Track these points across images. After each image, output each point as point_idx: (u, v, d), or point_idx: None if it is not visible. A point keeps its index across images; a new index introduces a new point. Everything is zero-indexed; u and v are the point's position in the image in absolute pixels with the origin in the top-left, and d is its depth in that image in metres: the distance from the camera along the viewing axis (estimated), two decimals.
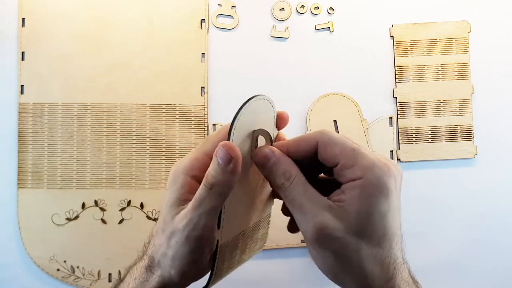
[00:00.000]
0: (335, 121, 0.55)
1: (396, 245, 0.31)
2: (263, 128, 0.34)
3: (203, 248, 0.34)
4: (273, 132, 0.34)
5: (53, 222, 0.54)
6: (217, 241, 0.34)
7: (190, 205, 0.32)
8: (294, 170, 0.32)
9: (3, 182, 0.54)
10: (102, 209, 0.54)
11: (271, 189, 0.37)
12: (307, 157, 0.33)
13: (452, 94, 0.56)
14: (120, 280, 0.37)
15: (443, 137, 0.56)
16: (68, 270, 0.53)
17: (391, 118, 0.56)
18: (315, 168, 0.34)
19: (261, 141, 0.34)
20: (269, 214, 0.40)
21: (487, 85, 0.57)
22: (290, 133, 0.60)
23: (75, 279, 0.53)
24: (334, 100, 0.56)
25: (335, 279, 0.32)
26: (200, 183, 0.32)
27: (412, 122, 0.56)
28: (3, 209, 0.54)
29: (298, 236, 0.54)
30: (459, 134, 0.56)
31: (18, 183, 0.54)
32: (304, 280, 0.55)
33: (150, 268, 0.35)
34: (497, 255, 0.57)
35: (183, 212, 0.33)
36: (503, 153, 0.57)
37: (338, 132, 0.54)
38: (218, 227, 0.33)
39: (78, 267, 0.53)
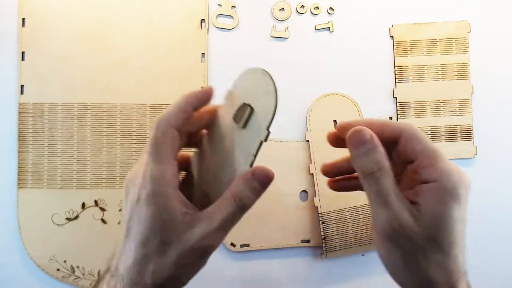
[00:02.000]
0: (335, 121, 0.55)
1: (462, 255, 0.32)
2: (257, 104, 0.34)
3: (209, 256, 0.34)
4: (269, 117, 0.34)
5: (53, 222, 0.54)
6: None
7: (213, 225, 0.32)
8: (387, 161, 0.32)
9: (3, 182, 0.54)
10: (102, 209, 0.54)
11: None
12: (385, 144, 0.33)
13: (452, 94, 0.57)
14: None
15: (443, 137, 0.56)
16: (68, 270, 0.53)
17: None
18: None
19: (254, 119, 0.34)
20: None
21: (487, 85, 0.57)
22: (290, 134, 0.60)
23: (75, 279, 0.53)
24: (334, 100, 0.56)
25: (396, 277, 0.33)
26: (181, 194, 0.32)
27: (412, 122, 0.56)
28: (3, 209, 0.54)
29: (298, 236, 0.54)
30: (459, 134, 0.56)
31: (18, 183, 0.54)
32: (304, 280, 0.55)
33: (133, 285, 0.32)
34: (497, 255, 0.57)
35: (199, 231, 0.32)
36: (503, 153, 0.57)
37: None
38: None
39: (78, 267, 0.53)
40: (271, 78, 0.35)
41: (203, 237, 0.32)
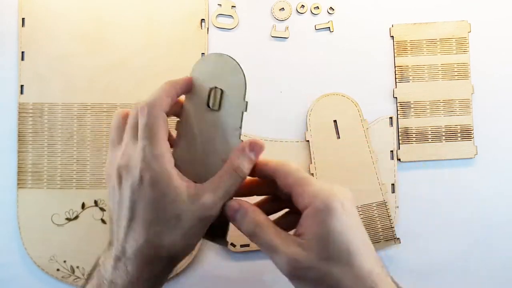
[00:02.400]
0: (335, 121, 0.55)
1: (367, 258, 0.33)
2: (225, 88, 0.37)
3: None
4: (241, 102, 0.37)
5: (53, 222, 0.54)
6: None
7: (218, 194, 0.35)
8: (262, 217, 0.35)
9: (3, 182, 0.54)
10: (102, 209, 0.54)
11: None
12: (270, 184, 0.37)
13: (452, 94, 0.56)
14: (89, 274, 0.37)
15: (443, 137, 0.56)
16: (68, 270, 0.53)
17: (391, 118, 0.56)
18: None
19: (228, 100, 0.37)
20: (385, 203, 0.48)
21: (487, 85, 0.57)
22: (290, 134, 0.60)
23: (75, 279, 0.53)
24: (334, 100, 0.56)
25: None
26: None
27: (412, 122, 0.56)
28: (3, 209, 0.54)
29: None
30: (459, 134, 0.56)
31: (18, 183, 0.54)
32: None
33: (119, 259, 0.35)
34: (497, 255, 0.57)
35: (205, 201, 0.35)
36: (503, 153, 0.57)
37: (339, 133, 0.54)
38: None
39: (78, 267, 0.53)
40: (229, 56, 0.38)
41: (210, 207, 0.35)
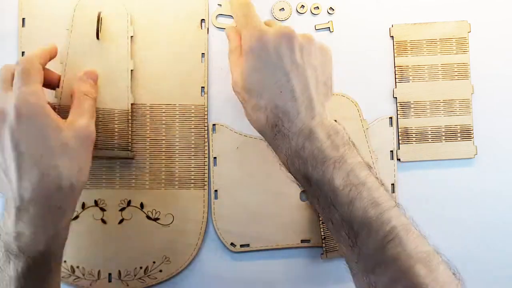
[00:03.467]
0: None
1: (280, 97, 0.38)
2: None
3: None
4: None
5: None
6: None
7: (85, 114, 0.45)
8: (234, 44, 0.43)
9: None
10: (102, 209, 0.54)
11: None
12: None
13: (452, 94, 0.56)
14: None
15: (443, 137, 0.56)
16: (68, 270, 0.53)
17: (391, 118, 0.56)
18: None
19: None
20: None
21: (487, 85, 0.57)
22: None
23: (75, 279, 0.53)
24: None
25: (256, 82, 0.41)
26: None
27: (412, 122, 0.56)
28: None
29: (298, 236, 0.54)
30: (459, 134, 0.56)
31: None
32: (304, 280, 0.55)
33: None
34: (497, 255, 0.57)
35: (80, 120, 0.44)
36: (503, 153, 0.57)
37: None
38: None
39: (78, 267, 0.53)
40: None
41: (86, 126, 0.43)
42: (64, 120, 0.42)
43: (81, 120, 0.43)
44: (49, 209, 0.37)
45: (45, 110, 0.39)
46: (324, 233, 0.52)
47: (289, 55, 0.39)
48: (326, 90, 0.42)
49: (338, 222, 0.35)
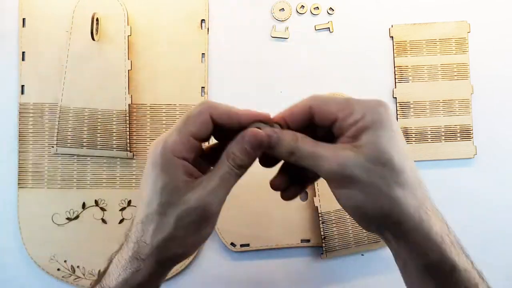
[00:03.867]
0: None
1: (414, 168, 0.33)
2: None
3: (213, 224, 0.35)
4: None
5: (54, 222, 0.54)
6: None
7: (211, 185, 0.34)
8: (296, 134, 0.34)
9: (3, 182, 0.54)
10: (103, 209, 0.54)
11: None
12: (302, 124, 0.35)
13: (452, 94, 0.57)
14: (103, 272, 0.37)
15: (443, 137, 0.56)
16: (69, 270, 0.53)
17: None
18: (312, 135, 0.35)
19: None
20: None
21: (487, 85, 0.57)
22: None
23: (75, 279, 0.53)
24: None
25: (362, 217, 0.34)
26: (189, 163, 0.34)
27: (411, 122, 0.56)
28: (3, 209, 0.54)
29: (298, 236, 0.54)
30: (458, 134, 0.56)
31: (19, 183, 0.54)
32: (304, 280, 0.55)
33: (138, 257, 0.35)
34: (497, 255, 0.57)
35: (199, 192, 0.34)
36: (503, 153, 0.57)
37: None
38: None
39: (78, 267, 0.53)
40: None
41: (201, 196, 0.33)
42: (193, 179, 0.35)
43: (200, 189, 0.34)
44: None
45: (167, 165, 0.34)
46: (324, 233, 0.52)
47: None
48: None
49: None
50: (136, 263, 0.34)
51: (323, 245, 0.53)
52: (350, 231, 0.53)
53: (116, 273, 0.35)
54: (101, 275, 0.37)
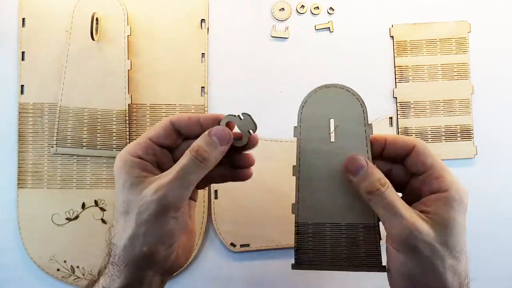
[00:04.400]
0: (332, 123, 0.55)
1: (467, 260, 0.35)
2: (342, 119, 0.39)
3: (177, 220, 0.35)
4: (364, 128, 0.39)
5: (53, 222, 0.54)
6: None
7: (168, 177, 0.34)
8: (386, 179, 0.35)
9: (3, 182, 0.54)
10: (102, 209, 0.54)
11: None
12: (396, 157, 0.37)
13: (452, 94, 0.57)
14: (93, 281, 0.37)
15: (443, 137, 0.56)
16: (68, 270, 0.53)
17: (391, 118, 0.56)
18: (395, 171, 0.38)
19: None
20: (376, 226, 0.39)
21: (487, 85, 0.57)
22: (290, 134, 0.60)
23: (75, 279, 0.53)
24: (333, 93, 0.53)
25: (405, 284, 0.34)
26: (146, 162, 0.36)
27: (412, 122, 0.56)
28: (3, 209, 0.54)
29: None
30: (459, 134, 0.56)
31: (18, 183, 0.54)
32: (304, 280, 0.55)
33: (115, 261, 0.35)
34: (497, 255, 0.57)
35: (155, 185, 0.34)
36: (503, 153, 0.57)
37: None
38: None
39: (78, 267, 0.53)
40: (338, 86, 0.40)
41: (157, 189, 0.34)
42: (152, 175, 0.36)
43: (157, 183, 0.34)
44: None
45: (125, 165, 0.35)
46: (298, 244, 0.42)
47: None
48: None
49: None
50: (112, 269, 0.35)
51: (295, 256, 0.42)
52: (328, 248, 0.42)
53: (102, 281, 0.35)
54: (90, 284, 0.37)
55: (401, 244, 0.33)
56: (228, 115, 0.38)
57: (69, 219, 0.54)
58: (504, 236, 0.57)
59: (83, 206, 0.54)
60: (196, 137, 0.37)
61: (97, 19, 0.52)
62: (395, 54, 0.57)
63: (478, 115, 0.57)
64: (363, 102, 0.38)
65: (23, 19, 0.55)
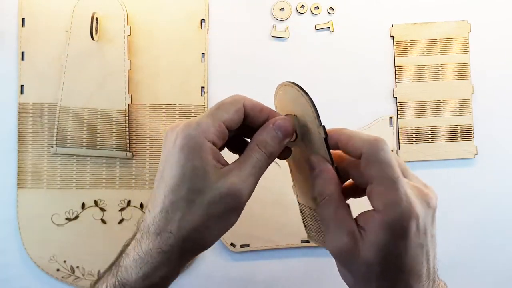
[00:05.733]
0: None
1: (417, 281, 0.31)
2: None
3: (240, 213, 0.34)
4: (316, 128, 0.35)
5: (53, 222, 0.54)
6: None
7: (243, 172, 0.32)
8: (330, 188, 0.33)
9: (3, 182, 0.54)
10: (102, 209, 0.54)
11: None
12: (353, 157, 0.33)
13: (452, 94, 0.56)
14: (114, 265, 0.35)
15: (443, 137, 0.56)
16: (68, 270, 0.53)
17: (391, 118, 0.56)
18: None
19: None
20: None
21: (487, 85, 0.57)
22: None
23: (75, 279, 0.53)
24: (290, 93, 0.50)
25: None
26: (218, 149, 0.33)
27: (412, 122, 0.56)
28: (3, 209, 0.54)
29: (298, 236, 0.54)
30: (459, 134, 0.56)
31: (18, 183, 0.54)
32: (304, 280, 0.55)
33: (160, 248, 0.32)
34: (497, 255, 0.57)
35: (230, 179, 0.32)
36: (503, 153, 0.57)
37: None
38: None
39: (78, 267, 0.53)
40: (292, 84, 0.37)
41: (234, 183, 0.32)
42: (223, 166, 0.33)
43: (232, 176, 0.32)
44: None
45: (198, 149, 0.32)
46: (304, 222, 0.45)
47: (430, 230, 0.32)
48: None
49: None
50: (158, 256, 0.32)
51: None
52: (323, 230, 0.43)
53: (136, 267, 0.32)
54: (113, 268, 0.35)
55: (334, 258, 0.33)
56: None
57: (69, 219, 0.54)
58: (504, 236, 0.57)
59: (83, 206, 0.54)
60: (254, 126, 0.35)
61: (97, 19, 0.52)
62: (395, 54, 0.57)
63: (478, 115, 0.57)
64: (312, 102, 0.36)
65: (23, 19, 0.55)
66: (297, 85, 0.36)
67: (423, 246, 0.31)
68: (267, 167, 0.34)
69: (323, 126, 0.33)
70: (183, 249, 0.32)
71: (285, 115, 0.35)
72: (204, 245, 0.34)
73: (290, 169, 0.39)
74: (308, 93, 0.35)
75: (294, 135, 0.35)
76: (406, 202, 0.30)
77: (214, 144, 0.32)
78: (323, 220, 0.33)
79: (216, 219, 0.32)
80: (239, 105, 0.34)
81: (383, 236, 0.30)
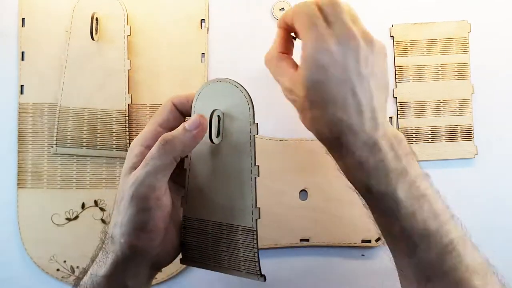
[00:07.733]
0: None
1: (344, 114, 0.35)
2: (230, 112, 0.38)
3: (150, 210, 0.35)
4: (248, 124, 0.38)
5: (53, 222, 0.54)
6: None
7: (145, 166, 0.35)
8: (273, 52, 0.42)
9: (3, 182, 0.54)
10: (102, 209, 0.54)
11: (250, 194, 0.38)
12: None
13: (452, 94, 0.56)
14: (86, 270, 0.38)
15: (443, 137, 0.56)
16: (68, 270, 0.53)
17: (391, 118, 0.56)
18: None
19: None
20: (254, 231, 0.38)
21: (488, 85, 0.57)
22: (290, 133, 0.59)
23: (75, 279, 0.53)
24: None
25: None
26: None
27: (412, 122, 0.56)
28: (3, 209, 0.54)
29: (298, 235, 0.54)
30: (459, 134, 0.56)
31: (18, 183, 0.54)
32: (303, 280, 0.55)
33: (104, 248, 0.36)
34: (497, 255, 0.56)
35: (132, 173, 0.35)
36: (503, 153, 0.57)
37: None
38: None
39: (78, 267, 0.53)
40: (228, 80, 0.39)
41: (132, 177, 0.35)
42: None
43: (135, 175, 0.36)
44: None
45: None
46: (183, 239, 0.41)
47: (354, 67, 0.36)
48: (386, 94, 0.39)
49: (398, 233, 0.36)
50: (101, 255, 0.37)
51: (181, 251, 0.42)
52: (210, 247, 0.41)
53: (90, 269, 0.38)
54: (83, 272, 0.40)
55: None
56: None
57: (69, 219, 0.54)
58: (504, 236, 0.57)
59: (83, 206, 0.54)
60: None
61: (97, 19, 0.52)
62: (395, 54, 0.57)
63: (478, 115, 0.57)
64: (251, 100, 0.37)
65: (23, 19, 0.55)
66: (232, 80, 0.39)
67: (346, 81, 0.35)
68: (167, 158, 0.35)
69: (257, 124, 0.37)
70: (111, 247, 0.37)
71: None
72: (128, 244, 0.36)
73: (188, 178, 0.39)
74: (247, 89, 0.39)
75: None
76: (320, 38, 0.35)
77: (149, 146, 0.36)
78: (272, 73, 0.41)
79: (124, 215, 0.35)
80: (168, 104, 0.39)
81: (304, 71, 0.36)
